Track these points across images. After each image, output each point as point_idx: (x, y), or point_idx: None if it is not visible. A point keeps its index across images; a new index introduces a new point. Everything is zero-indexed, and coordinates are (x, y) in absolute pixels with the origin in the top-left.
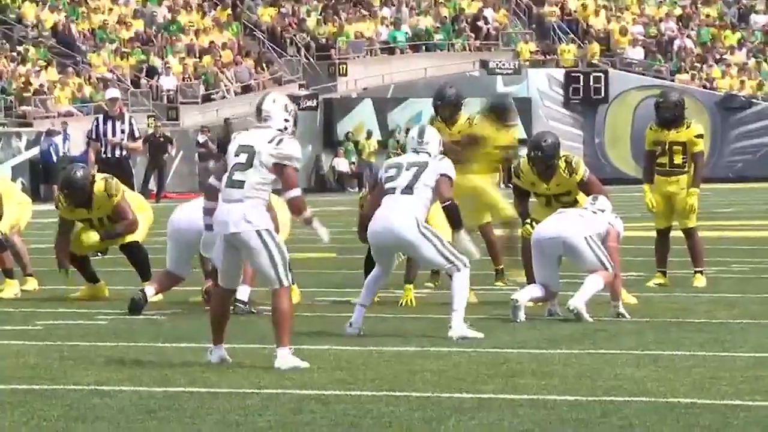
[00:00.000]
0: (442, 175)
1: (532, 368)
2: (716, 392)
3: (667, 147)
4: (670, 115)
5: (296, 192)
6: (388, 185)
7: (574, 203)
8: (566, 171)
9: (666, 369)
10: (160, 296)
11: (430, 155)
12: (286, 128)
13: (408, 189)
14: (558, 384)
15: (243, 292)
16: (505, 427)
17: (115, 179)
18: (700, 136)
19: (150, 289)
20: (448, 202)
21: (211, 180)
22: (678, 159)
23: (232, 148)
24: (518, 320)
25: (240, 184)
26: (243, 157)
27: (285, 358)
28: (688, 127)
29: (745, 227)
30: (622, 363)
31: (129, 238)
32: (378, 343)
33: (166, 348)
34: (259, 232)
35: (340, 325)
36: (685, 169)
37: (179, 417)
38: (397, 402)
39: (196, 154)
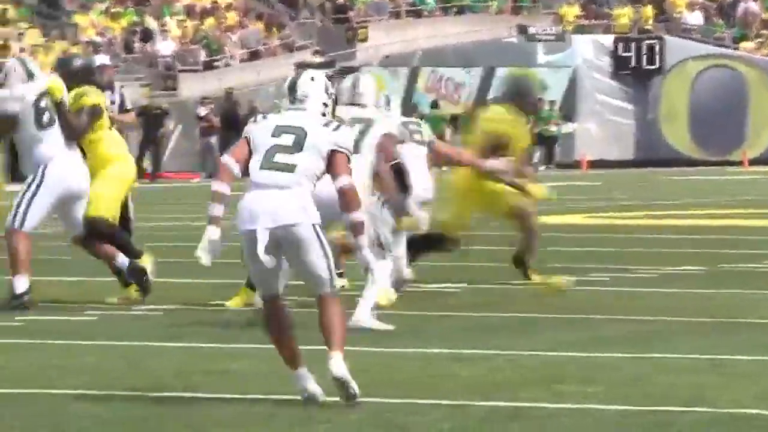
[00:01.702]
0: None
1: (572, 372)
2: None
3: None
4: None
5: (350, 180)
6: None
7: None
8: None
9: (728, 376)
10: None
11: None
12: (324, 114)
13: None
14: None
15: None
16: None
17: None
18: None
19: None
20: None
21: (225, 158)
22: None
23: (264, 128)
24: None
25: (290, 168)
26: (288, 139)
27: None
28: None
29: None
30: (677, 369)
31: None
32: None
33: None
34: (314, 226)
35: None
36: None
37: None
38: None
39: (197, 129)
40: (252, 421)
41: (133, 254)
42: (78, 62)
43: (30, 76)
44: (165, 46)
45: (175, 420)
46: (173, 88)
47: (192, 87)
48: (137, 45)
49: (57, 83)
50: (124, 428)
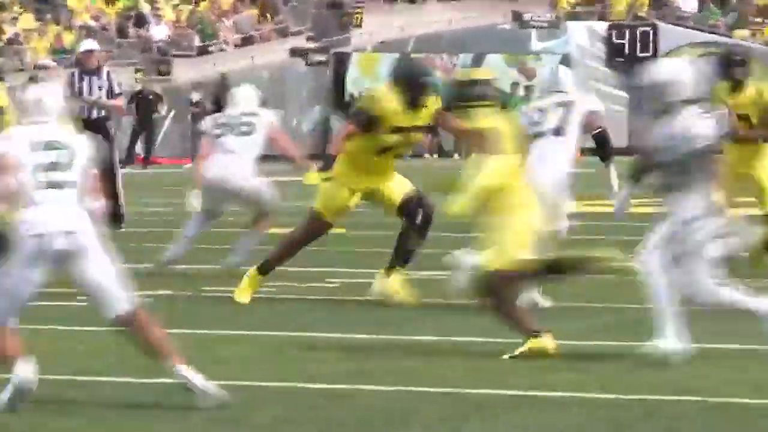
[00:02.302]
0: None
1: (565, 361)
2: None
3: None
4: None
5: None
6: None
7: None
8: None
9: (718, 365)
10: None
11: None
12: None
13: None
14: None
15: None
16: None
17: None
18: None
19: None
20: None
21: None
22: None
23: (24, 144)
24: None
25: (66, 185)
26: (55, 156)
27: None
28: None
29: None
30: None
31: None
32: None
33: None
34: (96, 238)
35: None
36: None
37: None
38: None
39: (189, 115)
40: (257, 405)
41: None
42: None
43: None
44: (159, 31)
45: (174, 406)
46: (167, 73)
47: (185, 72)
48: (131, 30)
49: None
50: (115, 414)
